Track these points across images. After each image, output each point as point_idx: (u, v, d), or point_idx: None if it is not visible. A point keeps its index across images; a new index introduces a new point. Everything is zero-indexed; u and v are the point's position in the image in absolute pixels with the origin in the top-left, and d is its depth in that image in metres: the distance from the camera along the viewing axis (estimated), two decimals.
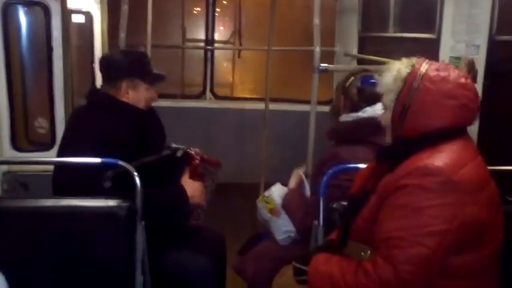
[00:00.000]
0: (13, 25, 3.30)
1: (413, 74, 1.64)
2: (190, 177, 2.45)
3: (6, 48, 3.19)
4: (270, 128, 4.88)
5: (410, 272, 1.48)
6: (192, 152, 2.50)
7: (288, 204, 2.50)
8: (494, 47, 2.75)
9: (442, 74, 1.62)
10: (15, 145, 3.31)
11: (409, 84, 1.63)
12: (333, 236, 2.00)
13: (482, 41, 2.80)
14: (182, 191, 2.36)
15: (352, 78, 2.48)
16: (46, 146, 3.32)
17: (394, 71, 1.69)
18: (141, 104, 2.44)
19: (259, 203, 2.65)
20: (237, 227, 4.39)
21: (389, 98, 1.69)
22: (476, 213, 1.54)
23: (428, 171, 1.54)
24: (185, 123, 5.42)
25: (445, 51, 3.17)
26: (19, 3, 3.24)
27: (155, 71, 2.49)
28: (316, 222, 2.27)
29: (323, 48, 5.63)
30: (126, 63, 2.44)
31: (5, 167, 3.24)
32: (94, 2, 4.76)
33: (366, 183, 1.78)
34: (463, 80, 1.63)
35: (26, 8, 3.32)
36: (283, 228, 2.54)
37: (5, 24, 3.18)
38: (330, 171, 2.35)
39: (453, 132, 1.63)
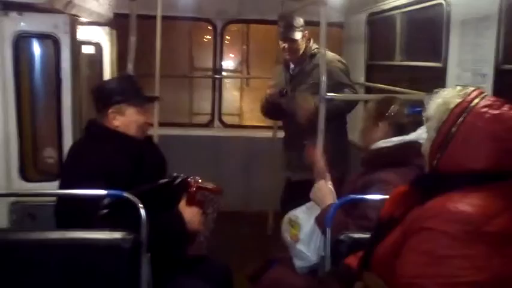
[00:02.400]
0: (24, 57, 3.35)
1: (462, 105, 1.54)
2: (188, 204, 2.43)
3: (16, 79, 3.24)
4: (278, 156, 4.87)
5: None
6: (190, 180, 2.50)
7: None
8: (500, 76, 2.74)
9: (493, 111, 1.50)
10: (24, 175, 3.33)
11: (455, 115, 1.54)
12: (350, 260, 1.97)
13: (488, 70, 2.80)
14: (179, 216, 2.35)
15: (394, 106, 2.52)
16: (54, 176, 3.32)
17: (442, 97, 1.60)
18: (132, 129, 2.44)
19: (284, 225, 2.63)
20: (245, 255, 4.36)
21: (431, 125, 1.61)
22: (502, 267, 1.44)
23: (457, 218, 1.45)
24: (194, 152, 5.44)
25: (452, 80, 3.17)
26: (31, 36, 3.30)
27: (148, 94, 2.50)
28: (323, 253, 2.26)
29: None
30: (109, 90, 2.47)
31: (13, 197, 3.25)
32: (104, 33, 4.84)
33: (395, 209, 1.71)
34: None
35: (36, 40, 3.38)
36: (303, 256, 2.50)
37: (17, 56, 3.24)
38: (337, 201, 2.34)
39: (494, 176, 1.51)
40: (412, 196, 1.65)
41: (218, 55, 5.98)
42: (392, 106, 2.52)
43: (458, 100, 1.56)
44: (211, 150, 5.70)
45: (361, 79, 5.09)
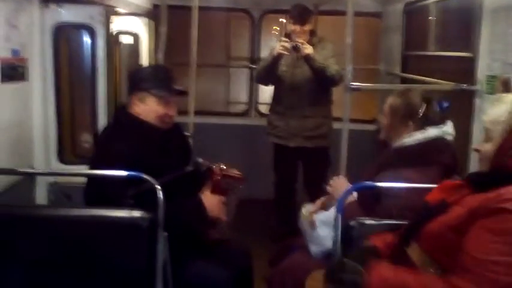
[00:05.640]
0: (63, 46, 3.53)
1: None
2: (213, 192, 2.51)
3: (56, 67, 3.42)
4: None
5: None
6: (215, 168, 2.57)
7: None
8: None
9: None
10: (62, 158, 3.52)
11: None
12: (374, 241, 2.03)
13: None
14: (199, 202, 2.43)
15: (423, 105, 2.50)
16: (90, 160, 3.50)
17: (509, 103, 1.70)
18: (150, 118, 2.50)
19: (303, 212, 2.71)
20: (271, 241, 4.44)
21: (499, 129, 1.69)
22: None
23: None
24: (229, 140, 5.55)
25: (482, 70, 3.11)
26: (68, 26, 3.46)
27: (177, 87, 2.55)
28: (334, 239, 2.30)
29: (367, 67, 5.64)
30: (137, 77, 2.56)
31: (51, 178, 3.45)
32: (142, 23, 5.00)
33: (447, 196, 1.79)
34: None
35: (74, 30, 3.55)
36: (319, 241, 2.56)
37: (56, 45, 3.42)
38: (352, 186, 2.38)
39: None
40: (465, 188, 1.75)
41: (255, 45, 6.04)
42: (423, 105, 2.50)
43: None
44: (247, 139, 5.77)
45: (397, 69, 5.04)
